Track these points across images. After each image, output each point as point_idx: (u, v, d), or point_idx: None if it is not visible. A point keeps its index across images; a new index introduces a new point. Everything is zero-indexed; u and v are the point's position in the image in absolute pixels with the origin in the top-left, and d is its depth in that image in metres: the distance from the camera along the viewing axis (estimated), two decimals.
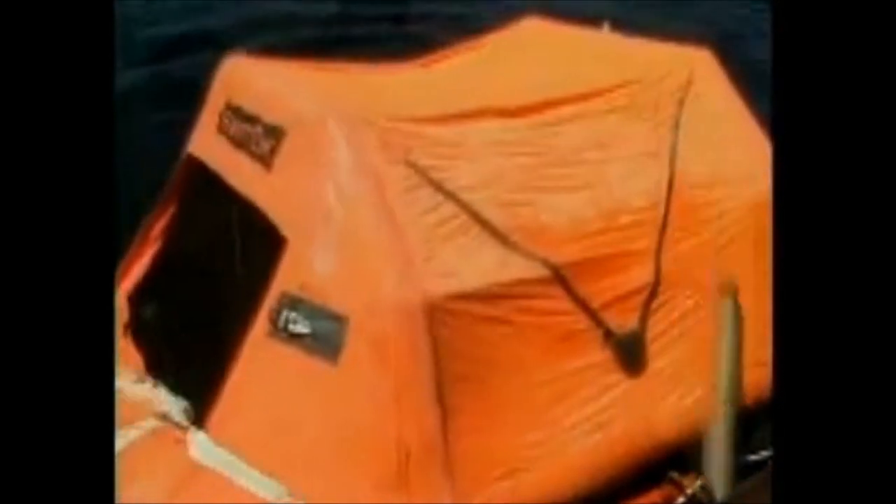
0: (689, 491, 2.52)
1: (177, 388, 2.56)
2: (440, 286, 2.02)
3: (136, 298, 2.88)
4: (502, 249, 2.14)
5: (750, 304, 2.38)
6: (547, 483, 2.26)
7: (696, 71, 2.65)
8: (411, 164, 2.12)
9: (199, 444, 2.13)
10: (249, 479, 2.04)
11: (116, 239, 1.75)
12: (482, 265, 2.10)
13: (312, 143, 2.16)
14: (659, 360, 2.41)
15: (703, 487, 2.53)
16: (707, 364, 2.49)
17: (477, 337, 2.08)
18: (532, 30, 3.09)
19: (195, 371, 2.69)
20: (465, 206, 2.13)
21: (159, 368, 2.66)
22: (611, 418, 2.33)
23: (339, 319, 2.00)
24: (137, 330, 2.83)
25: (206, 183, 2.72)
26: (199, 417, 2.48)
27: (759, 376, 2.41)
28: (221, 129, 2.57)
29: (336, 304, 2.01)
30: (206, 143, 2.67)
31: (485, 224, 2.13)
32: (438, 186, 2.12)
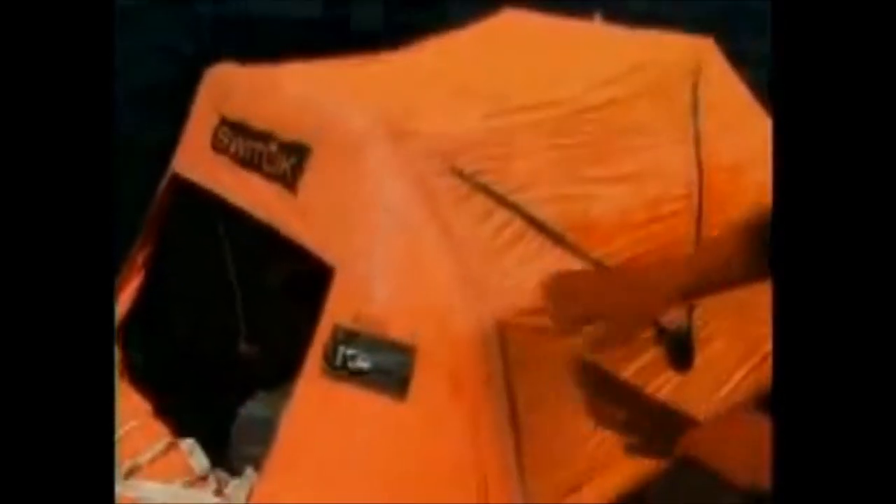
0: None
1: (192, 433, 2.35)
2: (509, 302, 1.89)
3: (122, 336, 2.63)
4: (558, 251, 2.02)
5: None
6: (605, 493, 2.18)
7: (704, 57, 2.60)
8: (458, 172, 1.98)
9: None
10: None
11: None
12: (542, 272, 1.98)
13: (348, 159, 1.97)
14: (702, 353, 2.37)
15: None
16: (743, 355, 2.48)
17: (545, 351, 1.96)
18: (517, 21, 2.96)
19: (202, 414, 2.49)
20: (517, 209, 2.00)
21: (166, 410, 2.43)
22: None
23: (404, 350, 1.84)
24: (131, 369, 2.58)
25: (196, 204, 2.49)
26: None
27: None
28: (218, 147, 2.34)
29: (398, 333, 1.85)
30: (197, 162, 2.43)
31: (539, 226, 2.01)
32: (489, 192, 1.98)
